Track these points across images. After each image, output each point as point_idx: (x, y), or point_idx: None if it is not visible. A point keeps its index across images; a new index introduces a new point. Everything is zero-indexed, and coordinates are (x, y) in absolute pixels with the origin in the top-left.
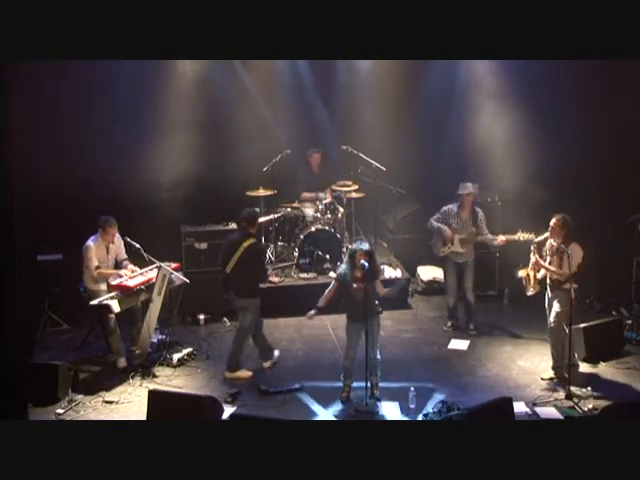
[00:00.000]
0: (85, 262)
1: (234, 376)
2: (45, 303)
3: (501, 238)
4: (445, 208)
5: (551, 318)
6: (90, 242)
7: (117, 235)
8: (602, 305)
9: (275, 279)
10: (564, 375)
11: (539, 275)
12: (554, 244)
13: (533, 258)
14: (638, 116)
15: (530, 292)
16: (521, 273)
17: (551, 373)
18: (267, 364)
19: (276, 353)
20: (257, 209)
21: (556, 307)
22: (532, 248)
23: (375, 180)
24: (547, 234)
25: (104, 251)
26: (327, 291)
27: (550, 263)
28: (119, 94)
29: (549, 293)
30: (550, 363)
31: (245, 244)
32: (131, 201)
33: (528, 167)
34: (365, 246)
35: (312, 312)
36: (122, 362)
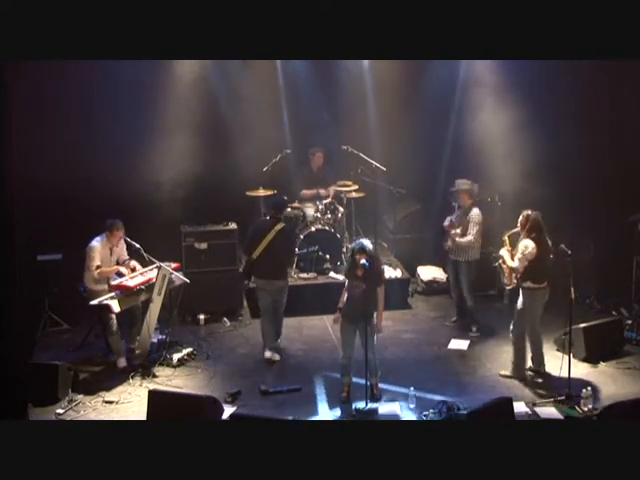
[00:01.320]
0: (87, 262)
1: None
2: (45, 303)
3: (458, 240)
4: (454, 203)
5: (514, 318)
6: (95, 242)
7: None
8: (602, 305)
9: None
10: (524, 376)
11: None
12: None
13: (503, 250)
14: (638, 116)
15: (506, 284)
16: (496, 263)
17: (509, 371)
18: (268, 354)
19: (276, 355)
20: (285, 197)
21: (517, 306)
22: (505, 240)
23: (375, 180)
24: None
25: (108, 253)
26: (343, 292)
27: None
28: (119, 94)
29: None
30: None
31: (277, 227)
32: (131, 201)
33: (528, 167)
34: (365, 245)
35: (336, 315)
36: (122, 362)
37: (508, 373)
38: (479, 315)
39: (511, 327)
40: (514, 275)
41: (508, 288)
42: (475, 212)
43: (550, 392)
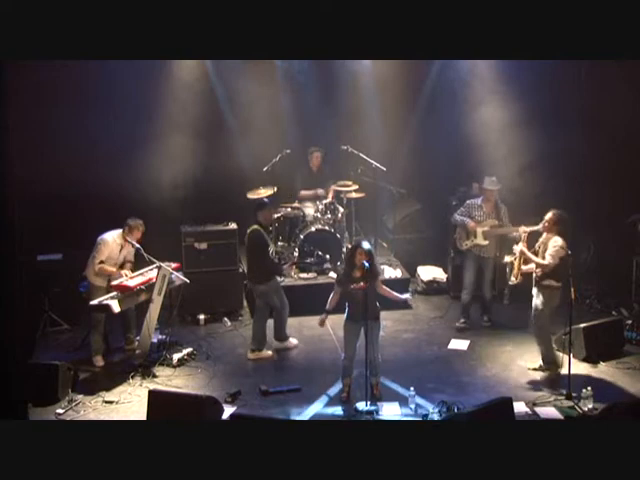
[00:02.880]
0: (93, 252)
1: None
2: (45, 303)
3: (523, 229)
4: (469, 201)
5: (532, 317)
6: (108, 236)
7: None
8: (602, 305)
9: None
10: (557, 371)
11: (524, 267)
12: (543, 239)
13: (521, 246)
14: (638, 116)
15: (512, 281)
16: (507, 258)
17: (537, 364)
18: (251, 355)
19: (269, 352)
20: (265, 200)
21: (535, 304)
22: (522, 237)
23: (375, 180)
24: (540, 226)
25: (117, 249)
26: (332, 295)
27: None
28: (119, 94)
29: (533, 290)
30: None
31: (248, 230)
32: (131, 201)
33: (528, 167)
34: (365, 245)
35: (322, 317)
36: (99, 361)
37: (538, 366)
38: (492, 309)
39: (533, 327)
40: (520, 272)
41: (512, 284)
42: (505, 208)
43: (550, 392)
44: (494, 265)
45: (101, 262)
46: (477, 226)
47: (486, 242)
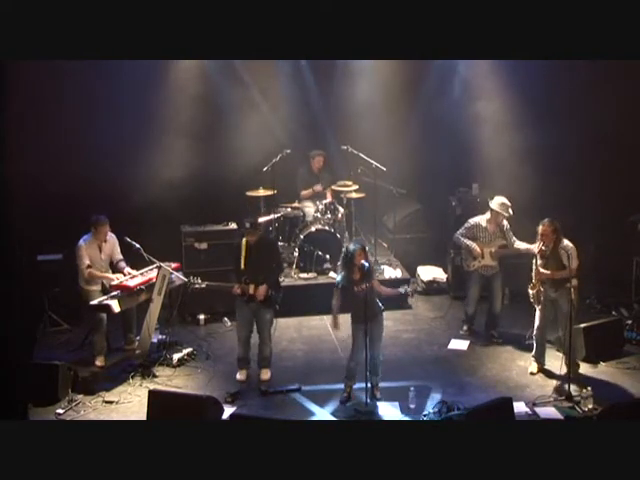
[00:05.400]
0: (76, 261)
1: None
2: (45, 303)
3: (532, 248)
4: (472, 222)
5: (561, 320)
6: (81, 242)
7: (110, 234)
8: (602, 305)
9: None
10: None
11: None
12: (544, 248)
13: (535, 268)
14: (638, 116)
15: (532, 288)
16: (532, 291)
17: (535, 367)
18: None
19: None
20: (251, 222)
21: (564, 308)
22: (533, 261)
23: (375, 180)
24: (541, 244)
25: (96, 250)
26: (334, 301)
27: (544, 267)
28: (119, 94)
29: (552, 293)
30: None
31: None
32: (131, 201)
33: (528, 168)
34: (360, 246)
35: (335, 320)
36: (101, 361)
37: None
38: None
39: (559, 332)
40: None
41: (533, 292)
42: (506, 222)
43: (550, 392)
44: (502, 278)
45: (89, 266)
46: (483, 248)
47: (494, 262)
